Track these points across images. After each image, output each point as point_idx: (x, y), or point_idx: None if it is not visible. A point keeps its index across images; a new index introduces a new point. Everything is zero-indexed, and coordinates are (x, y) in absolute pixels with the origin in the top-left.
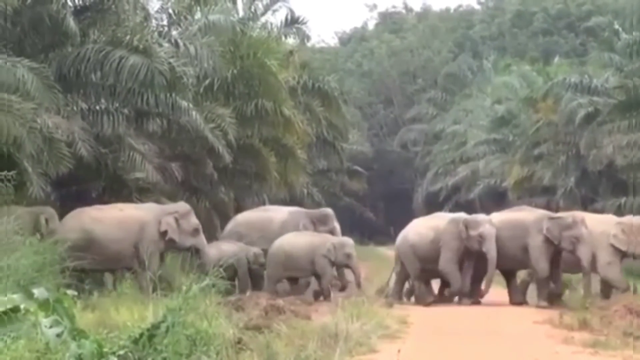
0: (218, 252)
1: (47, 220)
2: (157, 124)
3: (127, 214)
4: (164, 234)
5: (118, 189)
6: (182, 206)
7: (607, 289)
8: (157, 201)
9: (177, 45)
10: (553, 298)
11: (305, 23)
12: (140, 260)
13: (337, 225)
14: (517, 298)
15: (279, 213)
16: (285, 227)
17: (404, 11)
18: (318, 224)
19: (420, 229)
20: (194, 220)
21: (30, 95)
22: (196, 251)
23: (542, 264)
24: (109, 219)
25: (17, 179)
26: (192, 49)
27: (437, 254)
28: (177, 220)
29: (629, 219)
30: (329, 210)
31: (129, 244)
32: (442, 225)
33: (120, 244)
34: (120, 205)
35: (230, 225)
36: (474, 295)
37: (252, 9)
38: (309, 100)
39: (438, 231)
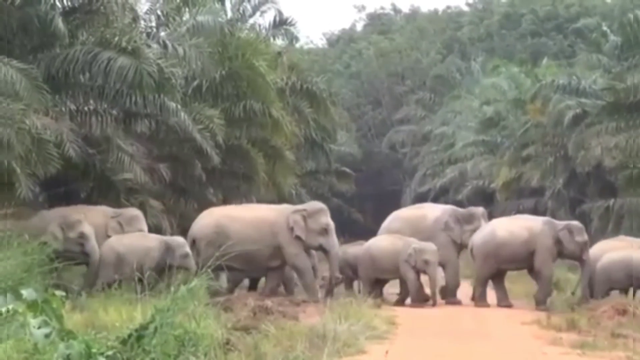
0: (343, 253)
1: (120, 224)
2: (145, 125)
3: (260, 214)
4: (290, 231)
5: (106, 190)
6: (313, 205)
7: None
8: (144, 202)
9: (165, 46)
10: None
11: (293, 24)
12: (287, 260)
13: (483, 224)
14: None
15: (432, 210)
16: (438, 225)
17: (392, 12)
18: (464, 222)
19: (512, 228)
20: (324, 220)
21: (18, 96)
22: (324, 251)
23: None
24: (244, 219)
25: (6, 179)
26: (180, 50)
27: (527, 255)
28: (304, 218)
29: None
30: (478, 210)
31: (263, 244)
32: (535, 227)
33: (255, 244)
34: (252, 205)
35: (386, 222)
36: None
37: (241, 10)
38: (297, 102)
39: (532, 232)
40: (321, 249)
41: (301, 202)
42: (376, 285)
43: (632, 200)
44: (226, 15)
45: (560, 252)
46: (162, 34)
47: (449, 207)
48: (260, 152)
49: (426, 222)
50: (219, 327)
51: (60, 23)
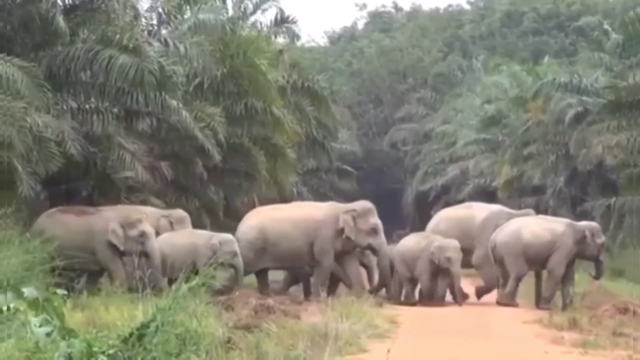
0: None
1: (171, 223)
2: (146, 123)
3: (304, 213)
4: (340, 231)
5: (107, 188)
6: (362, 204)
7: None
8: (146, 200)
9: (166, 44)
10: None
11: (295, 22)
12: (316, 259)
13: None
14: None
15: (481, 211)
16: (486, 225)
17: (393, 10)
18: None
19: (537, 229)
20: (373, 220)
21: (20, 94)
22: (373, 251)
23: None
24: (285, 218)
25: (7, 178)
26: (181, 48)
27: (549, 256)
28: (354, 218)
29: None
30: (527, 211)
31: (304, 242)
32: (557, 228)
33: (296, 243)
34: (300, 203)
35: (433, 222)
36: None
37: (242, 8)
38: (298, 100)
39: (554, 234)
40: (370, 248)
41: (302, 200)
42: (410, 284)
43: (634, 198)
44: (227, 13)
45: (580, 253)
46: (164, 31)
47: (496, 207)
48: (262, 150)
49: (474, 223)
50: (221, 325)
51: (61, 21)
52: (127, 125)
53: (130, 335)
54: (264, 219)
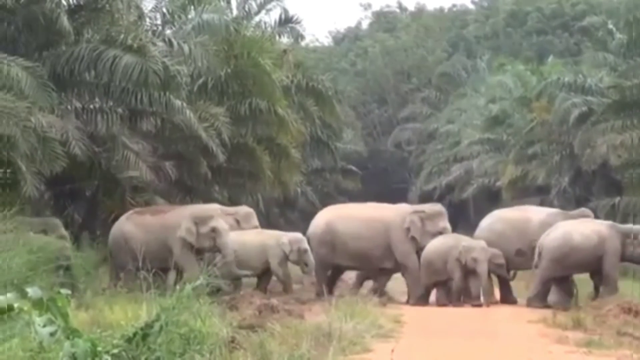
0: None
1: (237, 221)
2: (151, 123)
3: (373, 213)
4: (406, 231)
5: (112, 188)
6: (433, 207)
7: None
8: (150, 200)
9: (171, 44)
10: None
11: (299, 22)
12: (398, 258)
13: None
14: (509, 298)
15: (537, 213)
16: (543, 228)
17: (398, 10)
18: None
19: (585, 232)
20: (442, 224)
21: (24, 94)
22: None
23: None
24: (355, 218)
25: (11, 177)
26: (186, 48)
27: (594, 259)
28: (422, 220)
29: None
30: (586, 212)
31: (373, 243)
32: (603, 231)
33: (364, 243)
34: (371, 203)
35: (487, 221)
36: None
37: (246, 8)
38: (303, 100)
39: (601, 236)
40: None
41: (306, 200)
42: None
43: (638, 198)
44: (232, 13)
45: (624, 255)
46: (168, 31)
47: (554, 211)
48: (266, 150)
49: (531, 225)
50: (225, 325)
51: (65, 21)
52: (132, 125)
53: (135, 335)
54: (333, 217)
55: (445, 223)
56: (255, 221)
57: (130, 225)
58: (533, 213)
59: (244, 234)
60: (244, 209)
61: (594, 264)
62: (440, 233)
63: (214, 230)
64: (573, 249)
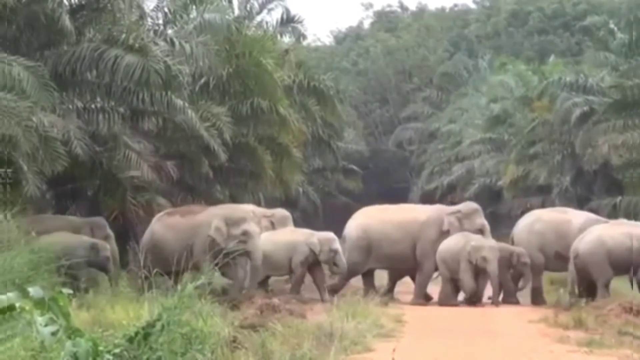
0: None
1: (272, 223)
2: (152, 123)
3: (408, 215)
4: (445, 233)
5: (113, 188)
6: (468, 205)
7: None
8: (151, 200)
9: (172, 43)
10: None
11: (300, 22)
12: (418, 261)
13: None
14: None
15: (577, 217)
16: (583, 231)
17: (399, 10)
18: None
19: (616, 234)
20: (479, 221)
21: (25, 94)
22: None
23: None
24: (390, 219)
25: (13, 177)
26: (187, 47)
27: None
28: (459, 219)
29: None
30: (624, 221)
31: (407, 245)
32: (636, 233)
33: (398, 245)
34: (406, 205)
35: (526, 221)
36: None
37: (248, 8)
38: (304, 99)
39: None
40: None
41: (308, 199)
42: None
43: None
44: (233, 12)
45: None
46: (169, 31)
47: (593, 216)
48: (267, 150)
49: (571, 228)
50: (226, 325)
51: (67, 21)
52: (133, 124)
53: (136, 334)
54: (369, 219)
55: (482, 220)
56: (290, 224)
57: (159, 227)
58: (572, 216)
59: (276, 233)
60: (280, 212)
61: (626, 267)
62: (480, 230)
63: (244, 233)
64: (608, 253)
